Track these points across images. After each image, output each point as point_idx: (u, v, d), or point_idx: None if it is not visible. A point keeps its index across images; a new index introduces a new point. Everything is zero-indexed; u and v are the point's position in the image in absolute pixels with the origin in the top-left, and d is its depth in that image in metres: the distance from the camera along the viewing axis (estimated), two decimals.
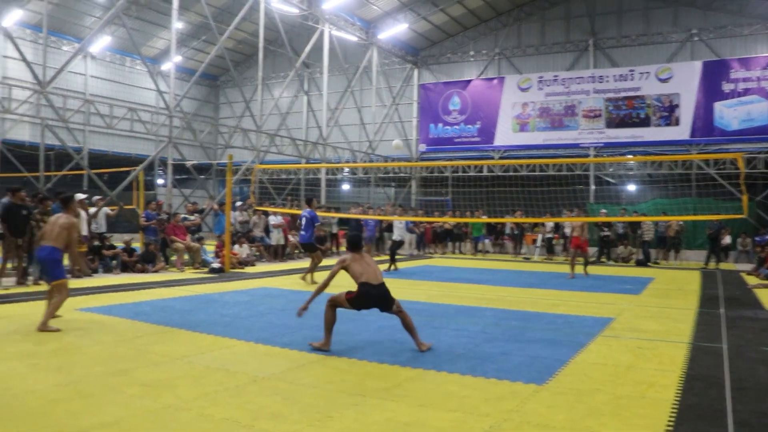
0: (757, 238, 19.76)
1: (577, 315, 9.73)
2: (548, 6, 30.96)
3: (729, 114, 26.31)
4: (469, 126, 31.78)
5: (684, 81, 27.05)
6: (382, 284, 6.97)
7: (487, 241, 25.70)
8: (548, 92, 29.84)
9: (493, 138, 31.12)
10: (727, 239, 21.82)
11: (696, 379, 5.92)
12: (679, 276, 17.35)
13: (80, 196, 14.12)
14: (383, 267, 16.34)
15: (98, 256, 14.72)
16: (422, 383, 5.64)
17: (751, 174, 24.19)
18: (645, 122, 27.83)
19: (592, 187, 29.11)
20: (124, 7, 22.84)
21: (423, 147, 33.21)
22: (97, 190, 20.03)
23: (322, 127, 29.48)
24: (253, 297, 11.29)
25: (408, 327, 7.03)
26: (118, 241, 16.40)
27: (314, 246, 14.42)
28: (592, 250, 19.96)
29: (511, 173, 29.37)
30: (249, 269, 16.87)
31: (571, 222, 16.72)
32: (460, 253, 26.15)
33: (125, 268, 15.08)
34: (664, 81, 27.45)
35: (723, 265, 20.53)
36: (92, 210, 15.45)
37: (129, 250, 15.63)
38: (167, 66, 31.84)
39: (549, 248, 23.99)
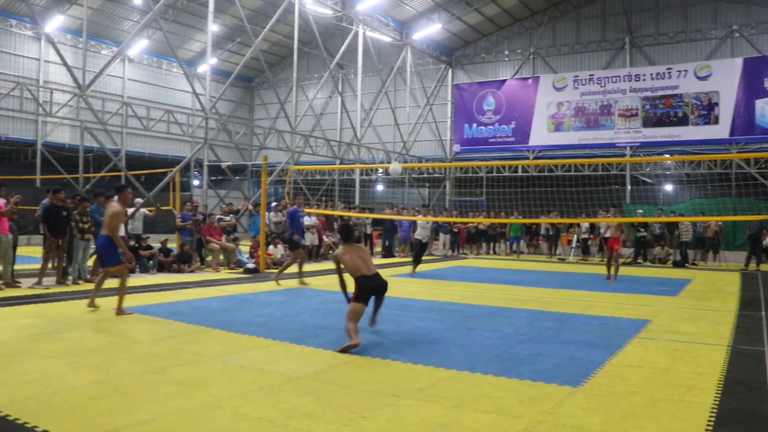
0: None
1: (612, 316, 9.59)
2: (584, 4, 30.66)
3: None
4: (504, 126, 31.59)
5: (724, 78, 26.54)
6: (377, 274, 7.46)
7: (521, 241, 25.52)
8: (584, 91, 29.52)
9: (528, 138, 30.90)
10: None
11: (736, 382, 5.79)
12: (718, 277, 17.02)
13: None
14: (408, 269, 16.33)
15: (135, 256, 14.93)
16: (456, 384, 5.61)
17: None
18: (683, 121, 27.38)
19: (629, 187, 28.73)
20: (161, 10, 23.18)
21: (457, 147, 33.11)
22: (134, 191, 20.32)
23: (356, 128, 29.56)
24: (287, 297, 11.35)
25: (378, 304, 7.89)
26: (154, 241, 16.63)
27: (296, 244, 13.98)
28: (628, 251, 19.67)
29: (546, 173, 29.15)
30: None
31: (607, 222, 16.48)
32: (494, 253, 26.01)
33: (161, 268, 15.30)
34: (702, 79, 26.97)
35: (764, 267, 20.08)
36: (130, 211, 15.67)
37: (165, 251, 15.85)
38: (203, 68, 32.23)
39: (584, 249, 23.74)
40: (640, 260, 21.56)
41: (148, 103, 26.11)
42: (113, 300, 9.18)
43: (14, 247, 12.34)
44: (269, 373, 5.85)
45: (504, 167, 31.08)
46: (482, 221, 24.94)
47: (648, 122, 28.15)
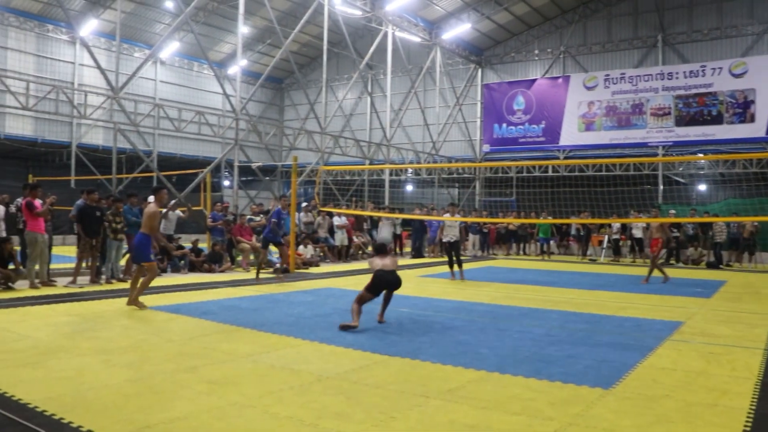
0: None
1: (645, 318, 9.46)
2: (615, 2, 30.31)
3: None
4: (534, 126, 31.37)
5: (760, 75, 26.01)
6: (394, 271, 8.45)
7: (552, 242, 25.28)
8: (615, 90, 29.18)
9: (559, 138, 30.64)
10: None
11: None
12: (754, 279, 16.71)
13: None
14: (438, 270, 16.37)
15: (167, 256, 15.11)
16: (486, 385, 5.59)
17: None
18: (717, 119, 26.91)
19: (661, 187, 28.35)
20: (192, 13, 23.41)
21: (487, 147, 32.96)
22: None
23: (385, 128, 29.56)
24: (317, 297, 11.39)
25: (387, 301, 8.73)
26: (185, 241, 16.80)
27: (267, 243, 14.34)
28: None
29: (576, 173, 28.87)
30: (313, 270, 17.05)
31: (647, 223, 16.26)
32: (524, 254, 25.84)
33: (193, 267, 15.46)
34: (738, 76, 26.48)
35: None
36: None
37: (196, 251, 16.01)
38: (233, 70, 32.52)
39: (616, 249, 23.47)
40: (672, 261, 21.26)
41: (179, 105, 26.37)
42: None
43: (50, 247, 12.60)
44: (299, 372, 5.88)
45: (534, 167, 30.86)
46: (512, 221, 24.78)
47: (681, 121, 27.72)
